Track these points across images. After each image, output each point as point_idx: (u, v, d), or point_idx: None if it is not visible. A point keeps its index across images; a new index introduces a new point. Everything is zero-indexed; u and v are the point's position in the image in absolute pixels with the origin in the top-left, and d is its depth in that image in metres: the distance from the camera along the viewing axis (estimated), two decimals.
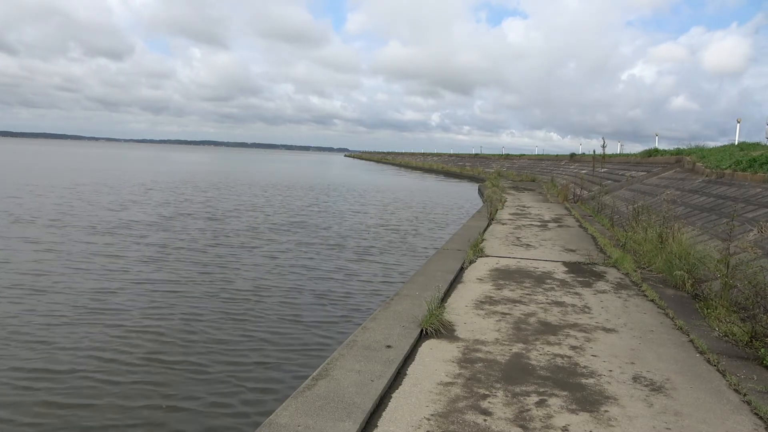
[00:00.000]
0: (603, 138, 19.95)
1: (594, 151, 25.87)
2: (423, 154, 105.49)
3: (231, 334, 7.20)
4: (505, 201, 19.39)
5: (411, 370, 4.06)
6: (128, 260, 11.11)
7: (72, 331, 7.07)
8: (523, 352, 4.49)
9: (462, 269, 7.70)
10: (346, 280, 10.39)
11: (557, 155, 45.11)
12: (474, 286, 6.78)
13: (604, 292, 6.64)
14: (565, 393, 3.71)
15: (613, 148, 33.86)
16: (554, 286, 6.89)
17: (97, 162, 60.53)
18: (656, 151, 22.05)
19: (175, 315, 7.84)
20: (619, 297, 6.41)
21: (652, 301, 6.24)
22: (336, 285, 9.94)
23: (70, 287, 9.00)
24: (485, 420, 3.30)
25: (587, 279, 7.34)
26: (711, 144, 18.73)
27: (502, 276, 7.38)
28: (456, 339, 4.76)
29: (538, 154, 54.72)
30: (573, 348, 4.61)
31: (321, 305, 8.63)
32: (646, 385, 3.88)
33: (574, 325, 5.24)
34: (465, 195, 33.19)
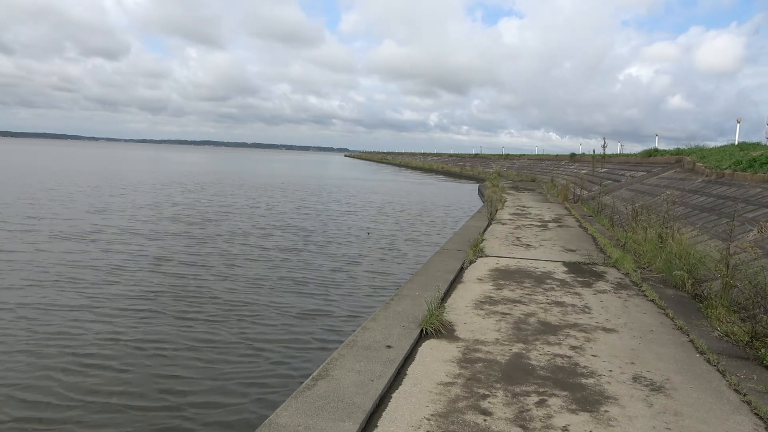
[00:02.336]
0: (604, 138, 19.99)
1: (594, 151, 25.90)
2: (423, 154, 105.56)
3: (187, 364, 6.13)
4: (505, 201, 19.39)
5: (411, 370, 4.06)
6: (88, 271, 9.94)
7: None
8: (523, 352, 4.49)
9: (462, 269, 7.69)
10: (331, 295, 9.15)
11: (557, 155, 45.14)
12: (474, 286, 6.78)
13: (604, 292, 6.64)
14: (565, 393, 3.71)
15: (613, 148, 33.90)
16: (554, 286, 6.89)
17: (90, 162, 59.07)
18: (656, 151, 22.07)
19: (129, 340, 6.73)
20: (619, 297, 6.41)
21: (652, 301, 6.24)
22: (319, 303, 8.68)
23: (8, 302, 7.91)
24: (485, 420, 3.30)
25: (587, 279, 7.34)
26: (710, 144, 18.75)
27: (502, 276, 7.38)
28: (456, 339, 4.76)
29: (538, 154, 54.74)
30: (573, 348, 4.61)
31: (294, 332, 7.37)
32: (646, 385, 3.88)
33: (574, 325, 5.24)
34: (465, 195, 33.17)
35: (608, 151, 23.42)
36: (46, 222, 15.22)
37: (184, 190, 28.33)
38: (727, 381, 3.97)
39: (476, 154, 75.26)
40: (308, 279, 10.21)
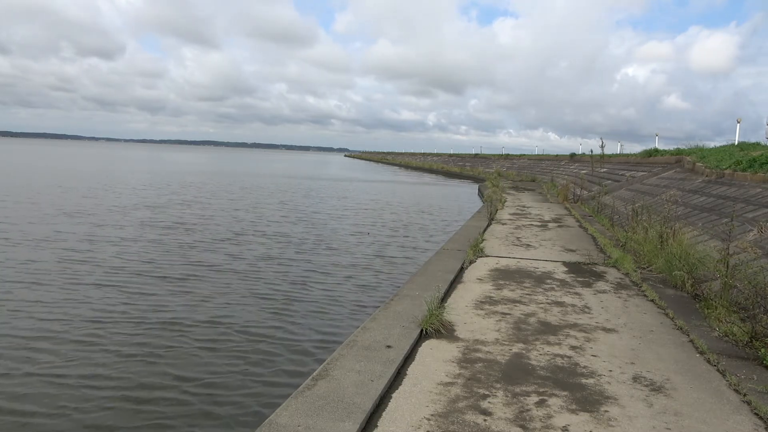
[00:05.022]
0: (601, 138, 19.97)
1: (591, 151, 25.89)
2: (423, 154, 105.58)
3: (121, 407, 5.18)
4: (505, 201, 19.39)
5: (411, 370, 4.06)
6: (22, 288, 8.72)
7: None
8: (523, 352, 4.49)
9: (462, 269, 7.69)
10: (305, 317, 7.97)
11: (557, 155, 45.15)
12: (474, 286, 6.78)
13: (604, 292, 6.64)
14: (565, 393, 3.71)
15: (613, 148, 33.89)
16: (554, 286, 6.89)
17: (80, 162, 57.71)
18: (656, 151, 22.06)
19: (54, 374, 5.66)
20: (619, 297, 6.41)
21: (652, 301, 6.24)
22: (292, 330, 7.42)
23: None
24: (485, 420, 3.30)
25: (587, 279, 7.34)
26: (709, 144, 18.75)
27: (502, 276, 7.38)
28: (456, 339, 4.76)
29: (538, 154, 54.76)
30: (573, 348, 4.61)
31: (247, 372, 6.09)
32: (646, 385, 3.88)
33: (574, 325, 5.24)
34: (464, 195, 33.15)
35: (608, 151, 23.41)
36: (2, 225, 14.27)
37: (169, 191, 27.14)
38: (727, 381, 3.98)
39: (476, 154, 75.29)
40: (290, 294, 9.09)
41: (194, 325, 7.45)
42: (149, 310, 8.02)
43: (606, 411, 3.46)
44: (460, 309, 5.69)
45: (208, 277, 10.04)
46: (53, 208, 18.36)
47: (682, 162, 17.20)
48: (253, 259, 11.71)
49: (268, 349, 6.75)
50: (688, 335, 4.98)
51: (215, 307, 8.29)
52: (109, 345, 6.67)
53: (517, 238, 11.02)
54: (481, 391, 3.71)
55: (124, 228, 14.99)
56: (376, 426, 3.20)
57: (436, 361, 4.24)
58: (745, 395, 3.72)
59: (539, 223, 13.61)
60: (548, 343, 4.70)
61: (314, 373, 3.85)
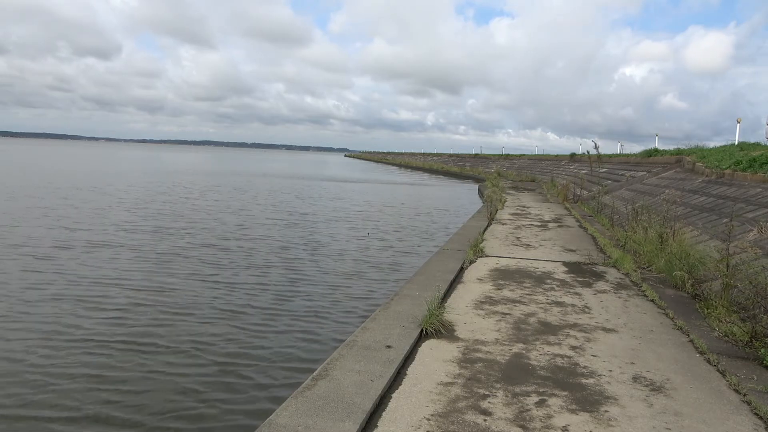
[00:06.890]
0: (594, 141, 19.93)
1: (587, 152, 25.84)
2: (423, 154, 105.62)
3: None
4: (505, 201, 19.39)
5: (411, 370, 4.06)
6: None
7: None
8: (523, 352, 4.49)
9: (462, 269, 7.69)
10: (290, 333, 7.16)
11: (557, 155, 45.17)
12: (474, 286, 6.78)
13: (604, 292, 6.64)
14: (565, 393, 3.71)
15: (613, 148, 33.92)
16: (554, 286, 6.89)
17: (76, 163, 56.62)
18: (656, 151, 22.06)
19: None
20: (619, 297, 6.41)
21: (652, 301, 6.24)
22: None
23: None
24: (485, 420, 3.29)
25: (587, 279, 7.33)
26: (708, 144, 18.74)
27: (502, 276, 7.38)
28: (456, 339, 4.76)
29: (538, 154, 54.78)
30: (573, 348, 4.61)
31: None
32: (646, 385, 3.88)
33: (574, 325, 5.24)
34: (464, 195, 33.14)
35: (608, 151, 23.40)
36: None
37: (157, 192, 26.23)
38: (727, 381, 3.97)
39: (476, 154, 75.32)
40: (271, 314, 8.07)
41: (161, 345, 6.59)
42: (111, 326, 7.14)
43: (606, 411, 3.46)
44: (460, 309, 5.69)
45: (185, 288, 9.11)
46: (31, 210, 17.52)
47: (682, 162, 17.20)
48: (237, 268, 10.86)
49: (246, 374, 5.93)
50: (688, 335, 4.98)
51: (188, 324, 7.37)
52: (59, 367, 5.82)
53: (517, 238, 11.02)
54: (481, 391, 3.71)
55: (100, 233, 14.02)
56: (376, 426, 3.20)
57: (436, 361, 4.24)
58: (745, 395, 3.72)
59: (539, 223, 13.61)
60: (548, 343, 4.70)
61: (314, 373, 3.84)
